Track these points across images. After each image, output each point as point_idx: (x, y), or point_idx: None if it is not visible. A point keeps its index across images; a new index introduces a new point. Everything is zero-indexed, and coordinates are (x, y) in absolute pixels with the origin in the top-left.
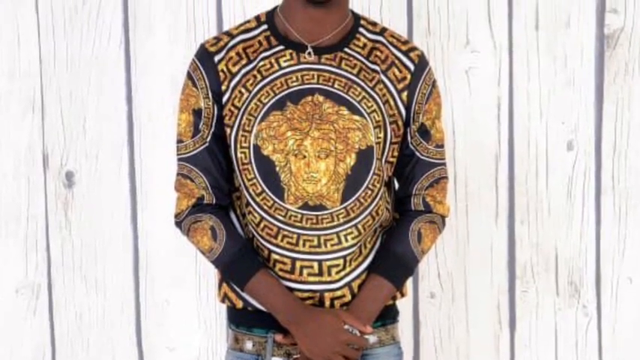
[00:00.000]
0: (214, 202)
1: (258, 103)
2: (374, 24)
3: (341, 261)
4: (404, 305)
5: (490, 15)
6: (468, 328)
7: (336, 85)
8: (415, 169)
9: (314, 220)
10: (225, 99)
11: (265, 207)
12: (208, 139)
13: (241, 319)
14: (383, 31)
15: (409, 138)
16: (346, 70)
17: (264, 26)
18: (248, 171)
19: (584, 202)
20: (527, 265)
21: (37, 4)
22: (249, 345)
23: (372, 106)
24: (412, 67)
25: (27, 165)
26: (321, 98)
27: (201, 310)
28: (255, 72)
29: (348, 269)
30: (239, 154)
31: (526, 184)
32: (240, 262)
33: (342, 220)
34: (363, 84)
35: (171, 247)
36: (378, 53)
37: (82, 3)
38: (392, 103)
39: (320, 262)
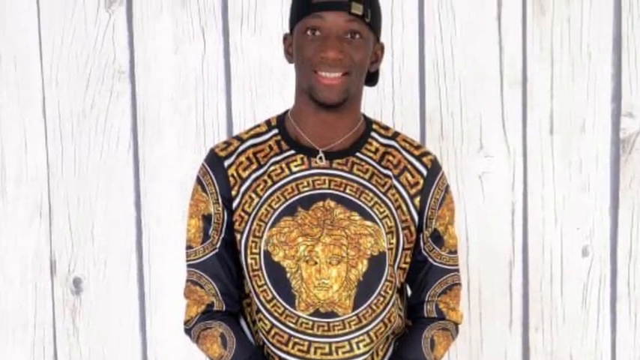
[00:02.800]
0: (224, 308)
1: (269, 208)
2: (386, 128)
3: None
4: None
5: (504, 119)
6: None
7: (347, 191)
8: (428, 275)
9: (325, 327)
10: (235, 204)
11: (276, 314)
12: (218, 245)
13: None
14: (395, 136)
15: (422, 244)
16: (358, 175)
17: (275, 130)
18: (258, 277)
19: (600, 309)
20: None
21: (44, 108)
22: None
23: (384, 211)
24: (425, 172)
25: (34, 271)
26: (332, 204)
27: None
28: (265, 177)
29: None
30: (249, 260)
31: (540, 291)
32: None
33: (353, 328)
34: (375, 189)
35: (181, 355)
36: (391, 158)
37: (90, 107)
38: (404, 208)
39: None
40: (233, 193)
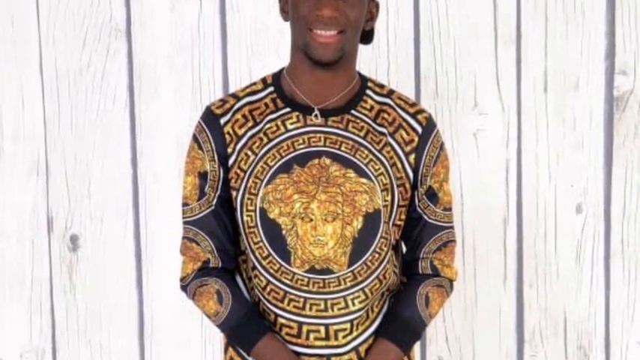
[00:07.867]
0: (220, 265)
1: (265, 165)
2: (381, 86)
3: (348, 325)
4: None
5: (498, 77)
6: None
7: (342, 148)
8: (423, 232)
9: (321, 284)
10: (231, 162)
11: (271, 271)
12: (214, 202)
13: None
14: (390, 94)
15: (417, 201)
16: (353, 133)
17: (271, 88)
18: (254, 234)
19: (594, 266)
20: (536, 329)
21: (41, 65)
22: None
23: (379, 168)
24: (420, 130)
25: (31, 228)
26: (327, 161)
27: None
28: (261, 134)
29: (355, 333)
30: (245, 218)
31: (534, 248)
32: (246, 326)
33: (349, 284)
34: (370, 146)
35: (177, 311)
36: (386, 115)
37: (87, 65)
38: (399, 165)
39: (327, 326)
40: (229, 150)
